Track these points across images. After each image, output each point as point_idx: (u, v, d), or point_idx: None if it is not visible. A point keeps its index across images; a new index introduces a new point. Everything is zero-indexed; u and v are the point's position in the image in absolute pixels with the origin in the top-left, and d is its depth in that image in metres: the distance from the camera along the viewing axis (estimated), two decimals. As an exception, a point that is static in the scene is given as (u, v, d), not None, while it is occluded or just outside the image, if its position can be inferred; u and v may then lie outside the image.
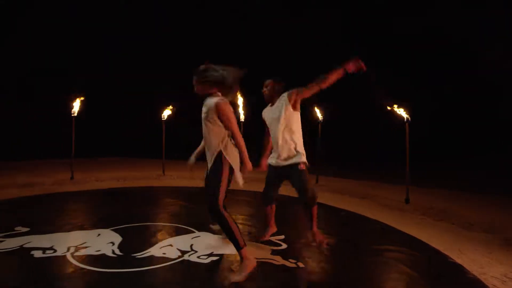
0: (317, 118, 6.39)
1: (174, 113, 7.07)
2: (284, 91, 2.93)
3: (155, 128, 7.16)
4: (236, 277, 2.28)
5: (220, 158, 2.35)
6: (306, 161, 2.96)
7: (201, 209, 4.11)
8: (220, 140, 2.35)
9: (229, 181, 2.41)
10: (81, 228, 3.32)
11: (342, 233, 3.63)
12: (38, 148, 7.75)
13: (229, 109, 2.35)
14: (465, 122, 8.74)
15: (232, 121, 2.34)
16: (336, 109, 6.65)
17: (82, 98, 5.98)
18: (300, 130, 2.98)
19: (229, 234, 2.29)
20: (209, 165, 2.40)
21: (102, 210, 4.22)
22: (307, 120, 7.14)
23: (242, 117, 6.73)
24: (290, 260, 2.71)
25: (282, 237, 3.29)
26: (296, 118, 2.91)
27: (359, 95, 8.83)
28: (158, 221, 3.74)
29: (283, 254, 2.84)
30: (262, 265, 2.59)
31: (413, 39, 8.81)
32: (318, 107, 6.43)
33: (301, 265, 2.63)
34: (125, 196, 5.20)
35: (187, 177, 6.41)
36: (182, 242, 3.03)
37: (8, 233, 3.07)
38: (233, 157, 2.38)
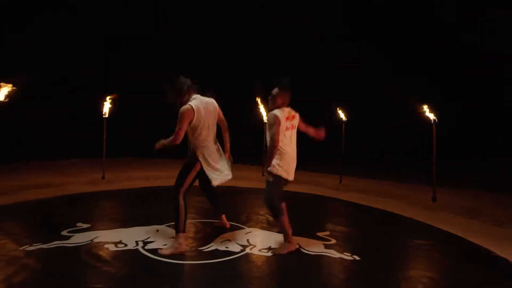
0: (341, 118, 6.56)
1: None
2: None
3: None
4: (163, 251, 2.70)
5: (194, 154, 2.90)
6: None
7: (241, 207, 4.34)
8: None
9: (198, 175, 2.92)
10: (136, 224, 3.48)
11: (380, 229, 3.81)
12: (63, 147, 7.93)
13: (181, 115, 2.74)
14: (488, 122, 8.85)
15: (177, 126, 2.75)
16: (360, 109, 6.80)
17: (111, 97, 6.11)
18: None
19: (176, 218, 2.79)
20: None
21: (146, 207, 4.38)
22: (330, 120, 7.35)
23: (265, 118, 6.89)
24: (345, 253, 2.88)
25: (327, 233, 3.46)
26: None
27: (382, 95, 8.99)
28: (202, 218, 3.90)
29: (336, 248, 3.01)
30: (323, 258, 2.76)
31: (435, 38, 8.95)
32: (341, 108, 6.59)
33: (357, 257, 2.80)
34: (161, 194, 5.35)
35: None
36: (238, 237, 3.20)
37: (72, 229, 3.25)
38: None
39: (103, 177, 6.34)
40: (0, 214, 3.73)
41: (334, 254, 2.87)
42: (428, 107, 4.89)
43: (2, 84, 4.83)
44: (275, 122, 2.76)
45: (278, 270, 2.55)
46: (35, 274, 2.29)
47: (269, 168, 2.81)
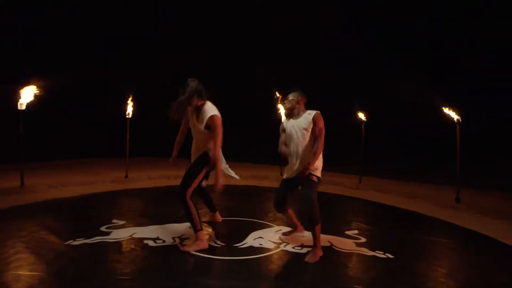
0: (360, 119, 6.57)
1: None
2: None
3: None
4: (186, 247, 2.77)
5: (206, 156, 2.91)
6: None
7: (267, 206, 4.35)
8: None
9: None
10: (167, 221, 3.58)
11: (407, 228, 3.83)
12: (88, 147, 8.16)
13: (220, 121, 2.82)
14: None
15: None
16: (380, 109, 6.80)
17: (131, 100, 6.27)
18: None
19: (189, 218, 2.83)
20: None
21: (171, 205, 4.48)
22: (349, 121, 7.36)
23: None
24: (377, 251, 2.93)
25: (356, 231, 3.50)
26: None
27: (403, 95, 8.94)
28: (230, 216, 3.98)
29: (367, 246, 3.05)
30: (357, 256, 2.82)
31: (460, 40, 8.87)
32: (361, 108, 6.61)
33: (390, 256, 2.84)
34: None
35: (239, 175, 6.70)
36: (270, 234, 3.27)
37: (109, 225, 3.37)
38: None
39: (126, 176, 6.51)
40: (37, 211, 3.88)
41: (366, 252, 2.91)
42: (451, 107, 4.88)
43: (29, 86, 5.03)
44: (323, 124, 2.80)
45: (316, 266, 2.61)
46: (84, 267, 2.40)
47: (313, 170, 2.80)
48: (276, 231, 3.40)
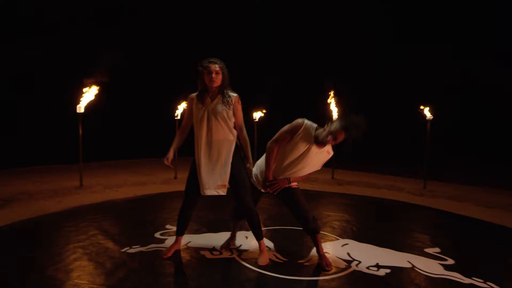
0: (425, 115, 5.86)
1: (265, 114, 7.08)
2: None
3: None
4: (262, 261, 2.53)
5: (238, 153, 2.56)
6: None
7: (322, 213, 4.01)
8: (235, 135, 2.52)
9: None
10: (222, 229, 3.37)
11: (500, 248, 3.19)
12: (138, 147, 8.40)
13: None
14: None
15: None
16: (448, 106, 6.02)
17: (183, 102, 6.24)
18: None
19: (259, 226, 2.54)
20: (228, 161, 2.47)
21: (222, 211, 4.30)
22: (409, 121, 6.66)
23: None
24: (474, 278, 2.41)
25: (438, 249, 2.98)
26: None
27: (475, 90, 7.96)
28: (281, 225, 3.66)
29: (459, 270, 2.54)
30: (451, 284, 2.33)
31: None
32: (427, 105, 5.89)
33: (493, 285, 2.31)
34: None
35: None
36: (335, 249, 2.90)
37: (163, 231, 3.24)
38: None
39: (175, 177, 6.52)
40: (95, 213, 3.91)
41: (461, 278, 2.41)
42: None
43: (90, 85, 5.19)
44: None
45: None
46: (144, 280, 2.24)
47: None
48: (343, 245, 3.00)
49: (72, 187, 5.16)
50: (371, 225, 3.75)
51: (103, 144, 7.85)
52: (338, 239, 3.17)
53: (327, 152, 2.47)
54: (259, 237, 2.56)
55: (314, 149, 2.41)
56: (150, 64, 8.25)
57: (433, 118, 5.83)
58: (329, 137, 2.31)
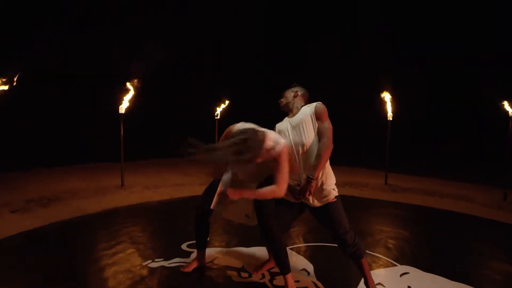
0: (507, 112, 4.83)
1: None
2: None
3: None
4: None
5: None
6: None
7: (374, 227, 3.34)
8: None
9: None
10: (256, 242, 2.98)
11: None
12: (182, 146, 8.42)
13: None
14: None
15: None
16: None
17: (226, 103, 6.05)
18: None
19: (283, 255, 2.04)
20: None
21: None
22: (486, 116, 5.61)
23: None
24: None
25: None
26: None
27: None
28: (321, 241, 3.13)
29: None
30: None
31: None
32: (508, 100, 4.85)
33: None
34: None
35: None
36: (391, 280, 2.33)
37: (191, 242, 2.97)
38: None
39: (214, 178, 6.33)
40: (129, 216, 3.81)
41: None
42: None
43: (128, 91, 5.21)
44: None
45: None
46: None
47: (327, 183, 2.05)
48: (402, 275, 2.42)
49: (114, 186, 5.22)
50: (438, 246, 3.06)
51: (151, 142, 7.99)
52: (396, 265, 2.59)
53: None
54: (284, 271, 2.05)
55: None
56: (192, 64, 8.22)
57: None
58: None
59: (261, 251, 2.75)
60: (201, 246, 2.38)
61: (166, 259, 2.57)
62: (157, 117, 7.90)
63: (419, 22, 7.53)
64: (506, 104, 4.84)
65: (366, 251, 2.78)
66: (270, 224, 2.02)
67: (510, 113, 4.83)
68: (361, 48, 8.43)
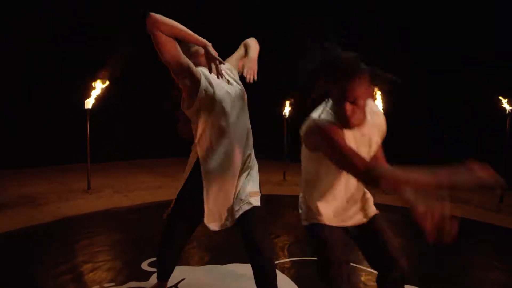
0: (504, 109, 4.56)
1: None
2: None
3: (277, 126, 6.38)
4: None
5: None
6: None
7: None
8: None
9: None
10: (235, 258, 2.56)
11: None
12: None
13: None
14: None
15: None
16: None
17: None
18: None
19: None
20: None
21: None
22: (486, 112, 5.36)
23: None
24: None
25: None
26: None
27: None
28: (304, 254, 2.75)
29: None
30: None
31: None
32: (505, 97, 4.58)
33: None
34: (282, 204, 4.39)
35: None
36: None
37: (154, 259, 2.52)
38: None
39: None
40: (91, 225, 3.34)
41: None
42: None
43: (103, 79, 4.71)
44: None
45: None
46: None
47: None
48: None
49: (79, 190, 4.69)
50: (432, 256, 2.70)
51: (131, 143, 7.43)
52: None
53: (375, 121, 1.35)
54: None
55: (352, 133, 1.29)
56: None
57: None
58: (342, 102, 1.18)
59: (241, 269, 2.32)
60: (163, 277, 1.88)
61: (118, 283, 2.11)
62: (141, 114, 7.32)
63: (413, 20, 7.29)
64: (504, 101, 4.57)
65: (354, 264, 2.42)
66: (265, 242, 1.54)
67: (507, 110, 4.56)
68: (352, 46, 8.15)
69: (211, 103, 1.49)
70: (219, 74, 1.45)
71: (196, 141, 1.58)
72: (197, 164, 1.61)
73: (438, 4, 7.02)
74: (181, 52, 1.42)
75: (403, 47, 6.88)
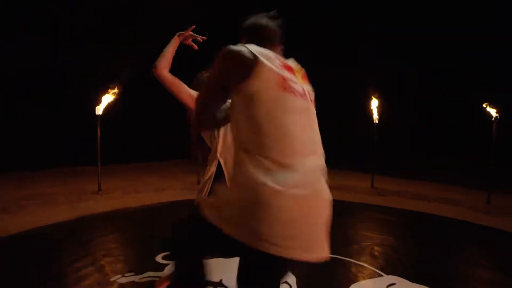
0: (490, 115, 4.83)
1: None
2: None
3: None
4: None
5: None
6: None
7: (359, 234, 3.14)
8: None
9: None
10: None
11: None
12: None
13: None
14: None
15: None
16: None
17: None
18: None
19: None
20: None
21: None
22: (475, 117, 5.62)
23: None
24: None
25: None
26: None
27: None
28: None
29: None
30: None
31: None
32: (490, 103, 4.86)
33: None
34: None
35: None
36: (379, 292, 2.21)
37: (167, 253, 2.78)
38: None
39: (199, 182, 6.12)
40: (103, 224, 3.59)
41: None
42: None
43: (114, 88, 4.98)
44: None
45: None
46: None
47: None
48: (389, 286, 2.30)
49: (90, 191, 4.95)
50: (426, 254, 2.96)
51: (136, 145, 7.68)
52: (382, 275, 2.47)
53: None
54: None
55: None
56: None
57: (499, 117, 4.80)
58: None
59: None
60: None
61: (137, 273, 2.37)
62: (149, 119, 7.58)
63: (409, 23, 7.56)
64: (488, 108, 4.85)
65: (351, 259, 2.66)
66: None
67: (493, 117, 4.84)
68: (348, 50, 8.41)
69: None
70: (201, 38, 1.80)
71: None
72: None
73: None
74: (193, 89, 1.74)
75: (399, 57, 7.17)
